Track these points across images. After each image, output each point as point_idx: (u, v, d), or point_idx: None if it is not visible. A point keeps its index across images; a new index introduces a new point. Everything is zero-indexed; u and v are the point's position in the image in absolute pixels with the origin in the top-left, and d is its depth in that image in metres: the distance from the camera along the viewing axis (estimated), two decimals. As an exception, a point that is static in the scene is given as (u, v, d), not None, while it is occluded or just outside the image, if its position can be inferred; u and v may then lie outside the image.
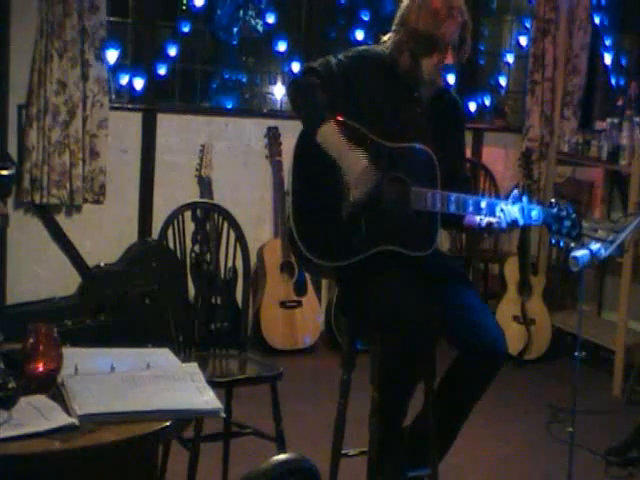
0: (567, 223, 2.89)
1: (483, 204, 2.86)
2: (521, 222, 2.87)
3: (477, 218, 2.90)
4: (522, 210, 2.87)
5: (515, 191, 2.92)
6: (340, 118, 2.81)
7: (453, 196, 2.84)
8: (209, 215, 4.42)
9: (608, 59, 5.96)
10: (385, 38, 2.96)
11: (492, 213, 2.85)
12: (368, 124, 2.85)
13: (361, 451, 2.98)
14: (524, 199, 2.89)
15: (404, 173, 2.85)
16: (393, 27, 2.93)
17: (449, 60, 2.85)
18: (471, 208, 2.86)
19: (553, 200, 2.98)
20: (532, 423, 4.33)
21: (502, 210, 2.84)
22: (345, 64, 2.89)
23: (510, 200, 2.88)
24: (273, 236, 5.23)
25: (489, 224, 2.87)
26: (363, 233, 2.81)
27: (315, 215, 2.84)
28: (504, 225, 2.84)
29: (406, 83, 2.93)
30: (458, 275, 3.11)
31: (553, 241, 2.94)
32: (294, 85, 2.94)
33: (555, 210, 2.90)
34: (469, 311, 2.87)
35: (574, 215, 2.90)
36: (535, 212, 2.90)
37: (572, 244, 2.90)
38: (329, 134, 2.78)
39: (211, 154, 5.04)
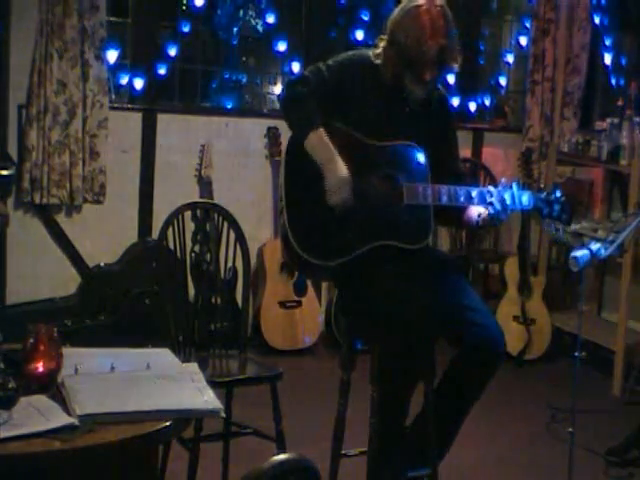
0: (557, 207, 2.94)
1: (474, 193, 2.90)
2: (512, 207, 2.89)
3: (475, 214, 2.92)
4: (512, 197, 2.90)
5: (503, 179, 2.96)
6: (329, 123, 2.83)
7: (444, 188, 2.88)
8: (209, 215, 4.42)
9: (608, 59, 5.96)
10: (378, 51, 2.97)
11: (483, 201, 2.88)
12: (358, 126, 2.89)
13: (361, 451, 2.98)
14: (514, 186, 2.92)
15: (394, 170, 2.89)
16: (384, 38, 2.95)
17: (428, 76, 2.87)
18: (462, 198, 2.90)
19: (542, 185, 3.02)
20: (532, 423, 4.33)
21: (491, 194, 2.86)
22: (335, 69, 2.93)
23: (500, 187, 2.91)
24: (273, 236, 5.23)
25: (485, 220, 2.89)
26: (356, 231, 2.83)
27: (309, 216, 2.86)
28: (499, 207, 2.85)
29: (395, 85, 2.95)
30: (457, 274, 3.12)
31: (546, 227, 2.97)
32: (285, 94, 2.98)
33: (544, 194, 2.98)
34: (468, 310, 2.88)
35: (562, 198, 2.96)
36: (525, 197, 2.95)
37: (563, 228, 2.92)
38: (316, 142, 2.82)
39: (211, 154, 5.04)
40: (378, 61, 2.96)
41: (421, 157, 2.92)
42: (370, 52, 3.00)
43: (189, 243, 4.19)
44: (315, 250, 2.82)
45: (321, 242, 2.84)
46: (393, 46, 2.90)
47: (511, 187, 2.92)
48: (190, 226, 4.46)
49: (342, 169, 2.82)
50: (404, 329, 2.72)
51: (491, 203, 2.86)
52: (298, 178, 2.89)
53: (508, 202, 2.88)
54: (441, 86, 3.13)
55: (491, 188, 2.91)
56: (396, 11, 2.92)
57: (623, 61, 5.97)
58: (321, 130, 2.82)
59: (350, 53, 3.05)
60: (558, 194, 2.96)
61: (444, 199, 2.88)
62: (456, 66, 2.94)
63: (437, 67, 2.88)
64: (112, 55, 4.89)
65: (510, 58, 6.17)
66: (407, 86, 2.92)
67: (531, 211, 3.03)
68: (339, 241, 2.83)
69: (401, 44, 2.86)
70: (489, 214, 2.87)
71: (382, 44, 2.95)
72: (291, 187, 2.88)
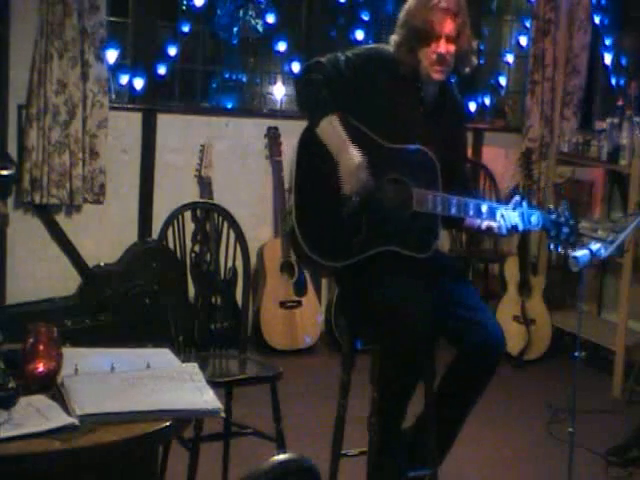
0: (565, 230, 2.93)
1: (484, 208, 2.88)
2: (521, 227, 2.91)
3: (477, 221, 2.92)
4: (522, 215, 2.91)
5: (517, 197, 2.94)
6: (343, 116, 2.81)
7: (454, 199, 2.85)
8: (209, 215, 4.43)
9: (608, 59, 5.96)
10: (393, 41, 2.97)
11: (492, 217, 2.87)
12: (371, 124, 2.86)
13: (361, 451, 2.98)
14: (524, 204, 2.91)
15: (405, 174, 2.85)
16: (395, 30, 2.96)
17: (441, 48, 2.85)
18: (472, 212, 2.88)
19: (551, 206, 3.00)
20: (532, 423, 4.33)
21: (503, 216, 2.87)
22: (353, 62, 2.89)
23: (511, 205, 2.90)
24: (273, 236, 5.23)
25: (488, 228, 2.90)
26: (364, 233, 2.81)
27: (318, 213, 2.83)
28: (504, 231, 2.87)
29: (411, 83, 2.94)
30: (458, 274, 3.12)
31: (551, 246, 2.96)
32: (300, 80, 2.94)
33: (554, 216, 2.94)
34: (469, 309, 2.88)
35: (572, 222, 2.93)
36: (535, 217, 2.94)
37: (569, 250, 2.92)
38: (329, 128, 2.79)
39: (211, 154, 5.04)
40: (393, 47, 2.94)
41: (433, 164, 2.88)
42: (388, 48, 2.98)
43: (189, 243, 4.19)
44: (321, 249, 2.79)
45: (328, 241, 2.82)
46: (404, 26, 2.91)
47: (521, 205, 2.92)
48: (190, 226, 4.46)
49: (356, 155, 2.77)
50: (404, 330, 2.72)
51: (499, 220, 2.87)
52: (310, 173, 2.85)
53: (517, 221, 2.89)
54: (457, 91, 3.13)
55: (502, 209, 2.89)
56: (407, 3, 2.95)
57: (623, 61, 5.96)
58: (334, 117, 2.79)
59: (369, 47, 3.03)
60: (568, 217, 2.93)
61: (453, 210, 2.86)
62: (473, 57, 2.95)
63: (451, 42, 2.86)
64: (112, 55, 4.89)
65: (510, 58, 6.17)
66: (422, 74, 2.90)
67: (538, 230, 3.03)
68: (345, 243, 2.81)
69: (409, 20, 2.88)
70: (494, 231, 2.89)
71: (394, 34, 2.96)
72: (302, 181, 2.84)
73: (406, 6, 2.95)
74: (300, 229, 2.78)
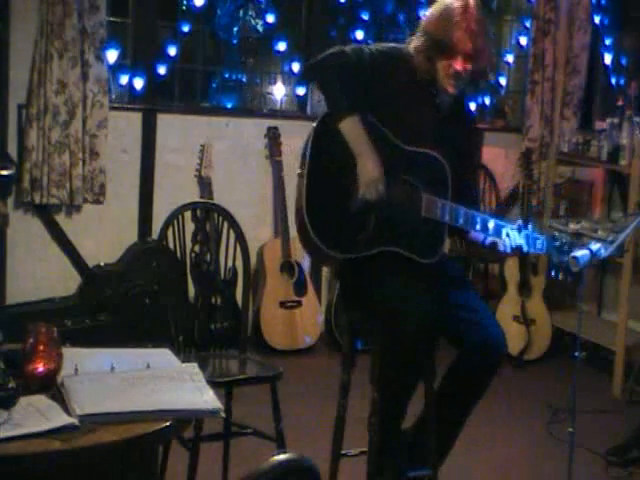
0: (567, 258, 2.93)
1: (490, 224, 2.89)
2: (525, 249, 2.93)
3: (482, 235, 2.94)
4: (527, 238, 2.93)
5: (519, 220, 2.96)
6: (363, 114, 2.79)
7: (462, 210, 2.86)
8: (209, 215, 4.43)
9: (608, 59, 5.96)
10: (412, 45, 2.95)
11: (498, 234, 2.89)
12: (388, 123, 2.85)
13: (361, 451, 2.98)
14: (530, 227, 2.93)
15: (417, 178, 2.85)
16: (416, 34, 2.95)
17: (458, 65, 2.83)
18: (478, 226, 2.89)
19: (557, 233, 3.01)
20: (532, 423, 4.33)
21: (508, 234, 2.88)
22: (377, 58, 2.87)
23: (516, 226, 2.91)
24: (273, 236, 5.23)
25: (493, 243, 2.90)
26: (369, 230, 2.80)
27: (327, 201, 2.81)
28: (508, 250, 2.89)
29: (426, 88, 2.93)
30: (459, 276, 3.12)
31: (552, 273, 2.98)
32: (324, 64, 2.87)
33: (558, 243, 2.95)
34: (470, 311, 2.88)
35: (574, 251, 2.94)
36: (539, 242, 2.97)
37: (569, 279, 2.95)
38: (353, 130, 2.77)
39: (211, 154, 5.04)
40: (412, 52, 2.93)
41: (445, 171, 2.88)
42: (408, 49, 2.96)
43: (189, 243, 4.19)
44: (326, 236, 2.76)
45: (333, 231, 2.80)
46: (424, 36, 2.89)
47: (526, 227, 2.94)
48: (190, 226, 4.46)
49: (376, 167, 2.76)
50: (405, 330, 2.71)
51: (504, 239, 2.88)
52: (324, 160, 2.82)
53: (522, 242, 2.91)
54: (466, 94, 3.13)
55: (508, 229, 2.91)
56: (430, 9, 2.93)
57: (623, 61, 5.97)
58: (357, 117, 2.77)
59: (391, 45, 3.00)
60: (570, 244, 2.94)
61: (460, 221, 2.86)
62: (490, 73, 2.93)
63: (469, 61, 2.83)
64: (112, 55, 4.88)
65: (510, 58, 6.17)
66: (439, 82, 2.88)
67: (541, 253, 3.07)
68: (350, 236, 2.80)
69: (430, 30, 2.86)
70: (498, 248, 2.90)
71: (414, 38, 2.94)
72: (315, 168, 2.80)
73: (428, 13, 2.93)
74: (308, 213, 2.75)
